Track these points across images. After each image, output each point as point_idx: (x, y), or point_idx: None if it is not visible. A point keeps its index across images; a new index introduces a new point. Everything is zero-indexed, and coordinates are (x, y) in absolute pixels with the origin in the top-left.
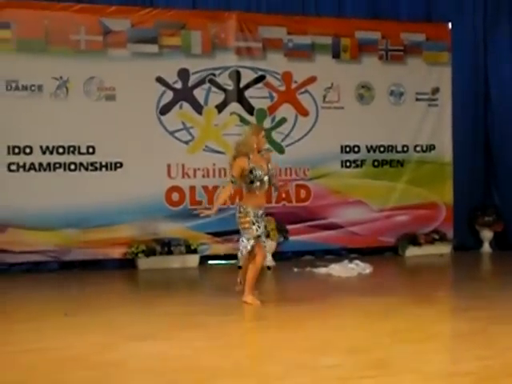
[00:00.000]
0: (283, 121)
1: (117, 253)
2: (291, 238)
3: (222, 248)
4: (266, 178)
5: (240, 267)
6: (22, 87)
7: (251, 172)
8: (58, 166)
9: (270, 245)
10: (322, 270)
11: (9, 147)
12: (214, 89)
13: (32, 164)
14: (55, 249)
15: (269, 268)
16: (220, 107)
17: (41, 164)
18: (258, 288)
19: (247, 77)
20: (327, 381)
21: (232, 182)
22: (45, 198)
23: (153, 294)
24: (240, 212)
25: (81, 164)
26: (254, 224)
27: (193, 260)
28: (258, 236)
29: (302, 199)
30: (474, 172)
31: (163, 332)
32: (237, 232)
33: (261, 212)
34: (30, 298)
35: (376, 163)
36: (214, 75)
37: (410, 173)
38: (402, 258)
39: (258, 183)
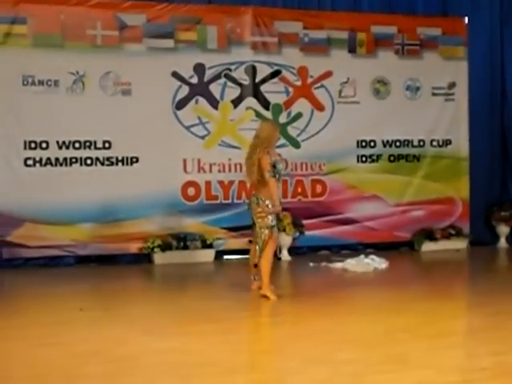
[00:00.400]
0: (299, 116)
1: (133, 247)
2: (307, 232)
3: (237, 243)
4: (282, 172)
5: (280, 258)
6: (39, 82)
7: (274, 166)
8: (74, 160)
9: (286, 239)
10: (338, 265)
11: (25, 142)
12: (229, 83)
13: (48, 159)
14: (71, 243)
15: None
16: (236, 102)
17: (57, 159)
18: (274, 283)
19: (263, 71)
20: (343, 376)
21: (273, 177)
22: (61, 193)
23: (168, 288)
24: (258, 204)
25: (97, 159)
26: (270, 214)
27: (208, 255)
28: (272, 226)
29: (318, 194)
30: (491, 167)
31: (178, 326)
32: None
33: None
34: (46, 293)
35: (392, 158)
36: (230, 70)
37: (426, 168)
38: (417, 253)
39: (277, 176)
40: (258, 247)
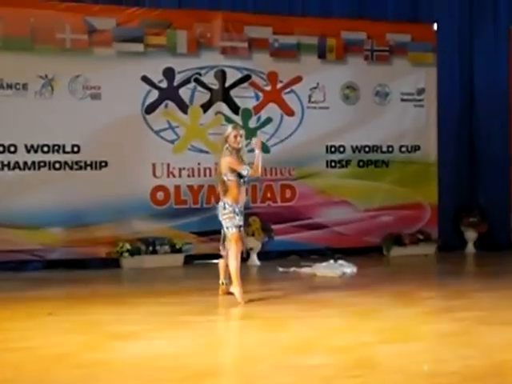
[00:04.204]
0: (268, 121)
1: (101, 252)
2: (276, 237)
3: (206, 248)
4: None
5: (247, 258)
6: (7, 86)
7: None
8: (42, 164)
9: (255, 244)
10: (307, 270)
11: None
12: (199, 88)
13: (16, 163)
14: (40, 248)
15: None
16: (205, 107)
17: (25, 163)
18: (243, 287)
19: (233, 76)
20: (312, 380)
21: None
22: (29, 197)
23: (137, 293)
24: (224, 208)
25: (65, 163)
26: (237, 215)
27: (177, 259)
28: (240, 226)
29: (287, 199)
30: (459, 173)
31: (148, 331)
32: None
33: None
34: (14, 298)
35: (361, 163)
36: (200, 74)
37: (394, 173)
38: (386, 258)
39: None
40: (226, 248)
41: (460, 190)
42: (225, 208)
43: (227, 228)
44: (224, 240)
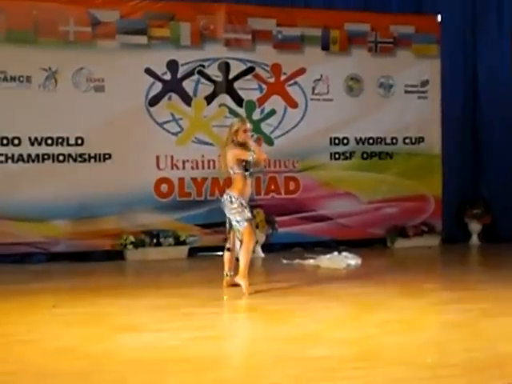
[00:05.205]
0: (272, 113)
1: (105, 244)
2: (280, 229)
3: (211, 240)
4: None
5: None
6: (11, 78)
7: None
8: (46, 157)
9: (259, 236)
10: (311, 262)
11: None
12: (203, 80)
13: (20, 155)
14: (43, 240)
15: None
16: (209, 99)
17: (29, 155)
18: (248, 279)
19: (236, 68)
20: (316, 372)
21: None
22: (33, 190)
23: (141, 285)
24: (231, 202)
25: (69, 155)
26: (246, 208)
27: (181, 251)
28: (251, 219)
29: (291, 191)
30: (463, 164)
31: (152, 323)
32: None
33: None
34: (18, 290)
35: (365, 155)
36: (203, 67)
37: (398, 165)
38: (390, 250)
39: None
40: (238, 241)
41: (464, 181)
42: (232, 202)
43: (238, 222)
44: (229, 232)
